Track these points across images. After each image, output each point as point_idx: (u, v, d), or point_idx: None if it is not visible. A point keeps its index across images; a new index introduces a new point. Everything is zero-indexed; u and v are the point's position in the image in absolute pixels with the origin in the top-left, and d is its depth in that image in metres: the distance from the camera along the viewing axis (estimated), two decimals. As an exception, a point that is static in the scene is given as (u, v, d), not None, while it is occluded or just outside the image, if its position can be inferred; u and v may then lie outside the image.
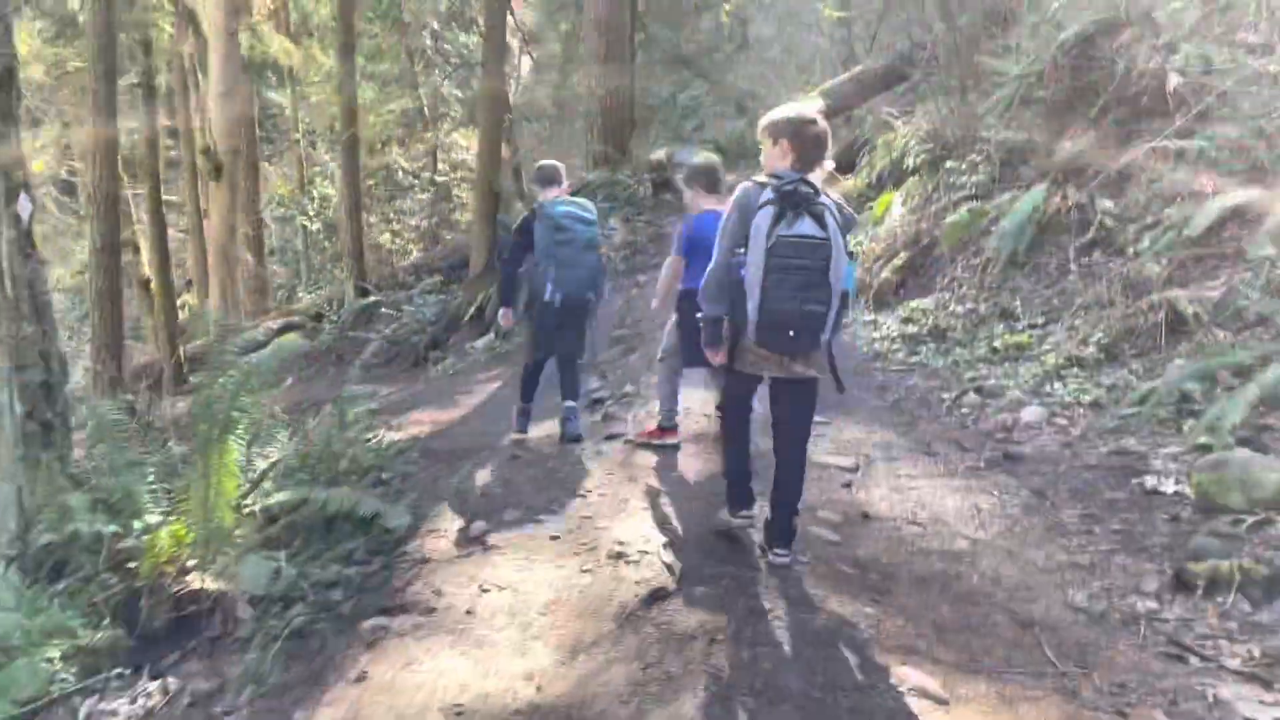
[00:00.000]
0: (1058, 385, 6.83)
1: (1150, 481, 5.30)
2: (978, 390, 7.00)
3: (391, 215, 18.43)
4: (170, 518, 4.38)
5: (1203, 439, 5.55)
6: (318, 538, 4.40)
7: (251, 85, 19.67)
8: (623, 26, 15.77)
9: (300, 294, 19.21)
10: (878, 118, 15.26)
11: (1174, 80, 8.07)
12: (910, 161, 12.17)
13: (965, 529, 4.83)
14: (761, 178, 3.77)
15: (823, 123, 3.88)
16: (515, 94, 22.37)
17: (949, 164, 10.34)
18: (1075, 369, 6.95)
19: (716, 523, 4.45)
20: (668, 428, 5.91)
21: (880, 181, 13.39)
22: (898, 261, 9.48)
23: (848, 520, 4.83)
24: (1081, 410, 6.47)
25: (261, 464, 4.93)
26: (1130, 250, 7.71)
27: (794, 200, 3.60)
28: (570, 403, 6.20)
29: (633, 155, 15.07)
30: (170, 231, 17.82)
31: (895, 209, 11.51)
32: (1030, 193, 8.74)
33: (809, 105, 4.29)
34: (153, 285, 14.47)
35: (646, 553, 4.00)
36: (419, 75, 18.81)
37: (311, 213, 17.78)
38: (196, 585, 3.85)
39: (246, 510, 4.52)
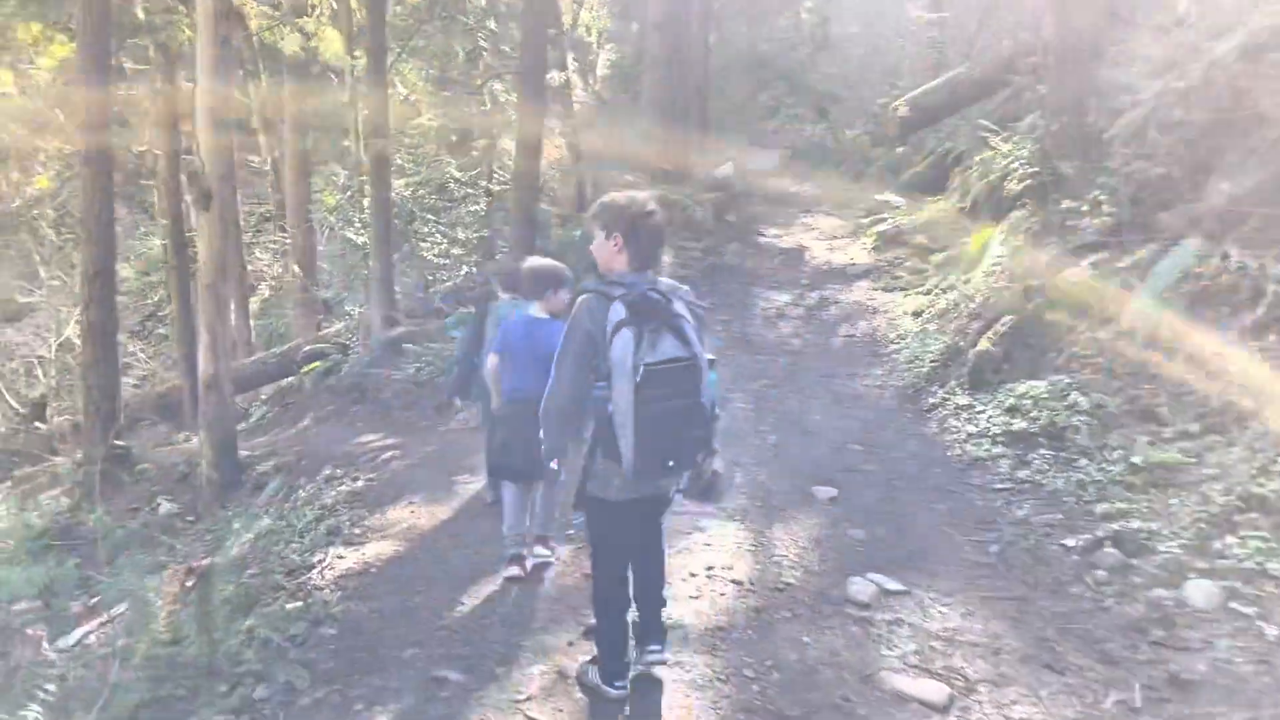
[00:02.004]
0: (1231, 541, 4.73)
1: None
2: (1115, 541, 4.92)
3: (444, 228, 16.73)
4: None
5: None
6: None
7: (306, 86, 18.21)
8: (688, 28, 13.76)
9: (349, 309, 17.75)
10: (973, 130, 13.11)
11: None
12: (1013, 187, 10.00)
13: None
14: (603, 286, 3.29)
15: (660, 214, 3.39)
16: (586, 95, 20.57)
17: (1065, 203, 8.17)
18: (1255, 514, 4.83)
19: (580, 678, 3.66)
20: (513, 555, 4.90)
21: (976, 208, 11.25)
22: (1000, 328, 7.36)
23: None
24: (1274, 589, 4.38)
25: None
26: (1324, 338, 5.56)
27: (648, 314, 3.17)
28: None
29: (694, 172, 13.09)
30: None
31: (994, 248, 9.38)
32: (1177, 249, 6.59)
33: (644, 193, 3.54)
34: (173, 308, 13.04)
35: None
36: (476, 79, 17.08)
37: (359, 224, 16.20)
38: None
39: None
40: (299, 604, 4.91)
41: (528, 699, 3.51)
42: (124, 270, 24.02)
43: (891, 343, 8.71)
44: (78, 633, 6.84)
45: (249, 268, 24.76)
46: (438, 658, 3.89)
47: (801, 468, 6.13)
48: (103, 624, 6.66)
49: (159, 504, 9.75)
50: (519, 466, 4.84)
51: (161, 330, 19.47)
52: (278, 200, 20.73)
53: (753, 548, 4.88)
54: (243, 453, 10.05)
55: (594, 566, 3.62)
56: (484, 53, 17.15)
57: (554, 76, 15.78)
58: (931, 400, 7.22)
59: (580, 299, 3.32)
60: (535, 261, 5.12)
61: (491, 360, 5.06)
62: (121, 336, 22.14)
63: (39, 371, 16.46)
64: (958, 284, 9.33)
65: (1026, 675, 3.88)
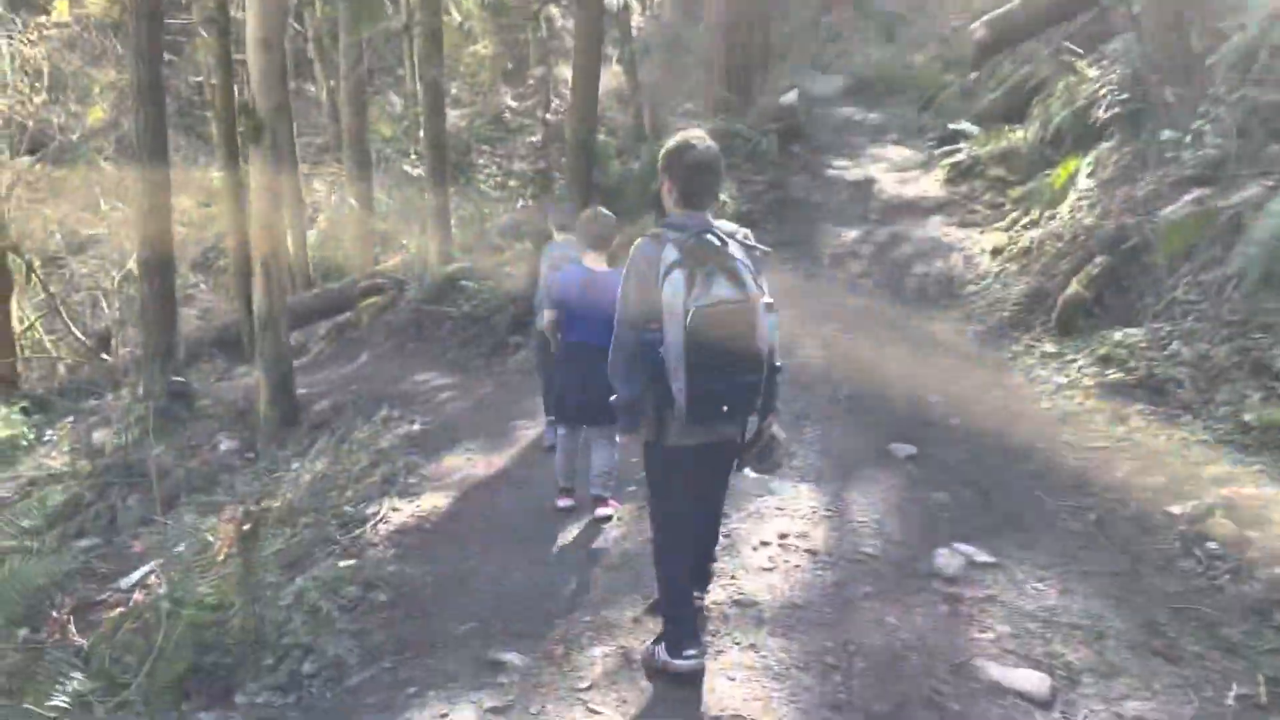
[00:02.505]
0: (1361, 512, 4.27)
1: None
2: (1227, 509, 4.47)
3: (500, 160, 16.34)
4: None
5: None
6: None
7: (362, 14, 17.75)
8: (752, -54, 13.01)
9: (405, 242, 17.54)
10: (1056, 54, 12.29)
11: None
12: (1101, 115, 9.30)
13: None
14: (657, 229, 3.27)
15: (705, 147, 3.23)
16: (645, 19, 19.85)
17: (1164, 133, 7.52)
18: (1386, 482, 4.37)
19: (647, 661, 3.38)
20: (563, 488, 5.09)
21: (1059, 138, 10.55)
22: (1092, 269, 6.82)
23: None
24: None
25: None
26: None
27: (702, 257, 3.10)
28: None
29: (757, 100, 12.48)
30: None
31: (1081, 181, 8.75)
32: (1296, 185, 5.99)
33: (695, 131, 3.43)
34: (230, 240, 12.83)
35: None
36: (532, 4, 16.49)
37: (414, 156, 15.86)
38: None
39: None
40: (352, 562, 4.68)
41: (590, 687, 3.22)
42: (184, 201, 24.03)
43: (969, 283, 8.19)
44: (138, 573, 6.77)
45: (307, 199, 24.64)
46: (495, 634, 3.61)
47: (877, 422, 5.72)
48: (163, 564, 6.57)
49: (218, 441, 9.66)
50: (574, 411, 4.89)
51: (223, 262, 19.40)
52: (334, 131, 20.43)
53: (828, 512, 4.52)
54: (300, 390, 9.90)
55: (653, 517, 3.44)
56: (540, -25, 16.54)
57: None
58: (1015, 348, 6.74)
59: (635, 243, 3.25)
60: (591, 213, 5.14)
61: (548, 315, 5.21)
62: (184, 268, 22.17)
63: (104, 303, 16.51)
64: (1041, 220, 8.74)
65: (1136, 664, 3.50)
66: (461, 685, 3.24)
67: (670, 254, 3.07)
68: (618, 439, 4.37)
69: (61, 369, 14.18)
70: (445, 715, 3.06)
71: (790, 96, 13.11)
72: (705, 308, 3.00)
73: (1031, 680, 3.38)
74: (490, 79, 17.22)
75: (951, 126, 12.84)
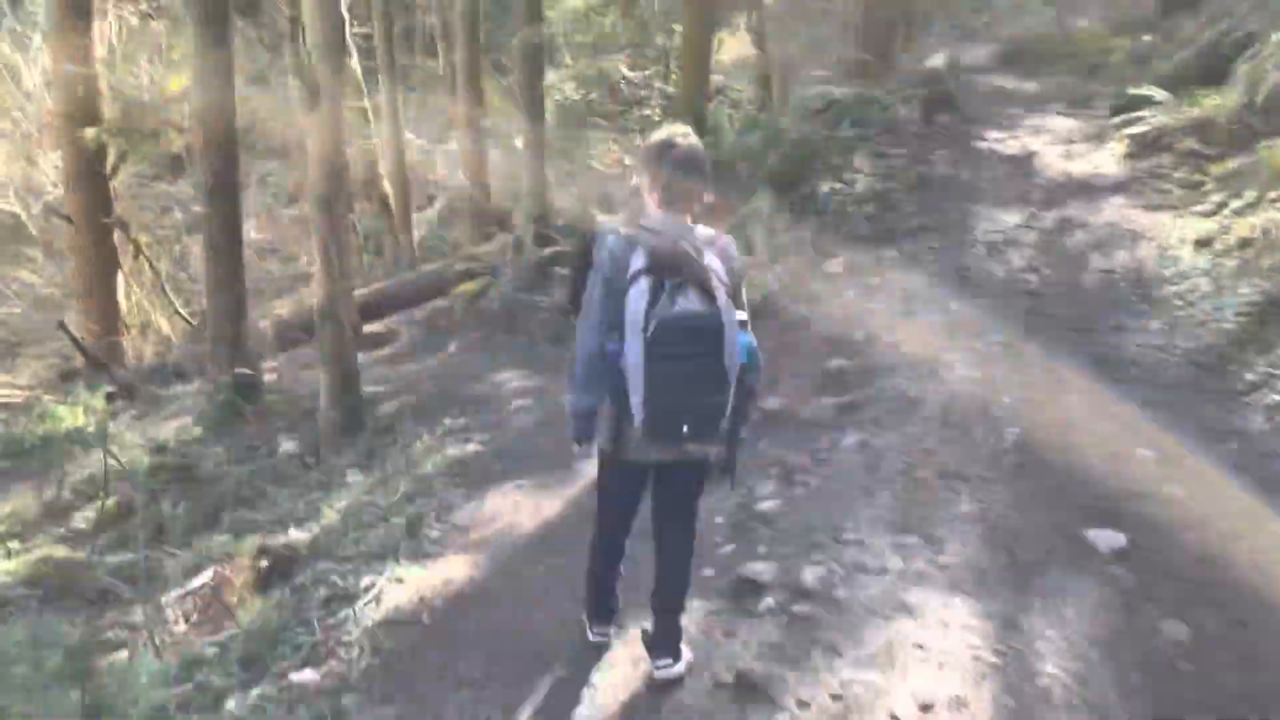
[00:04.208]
0: None
1: None
2: None
3: (614, 135, 14.86)
4: None
5: None
6: None
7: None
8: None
9: (516, 223, 16.31)
10: (1266, 4, 10.02)
11: None
12: (1336, 74, 7.17)
13: None
14: (629, 229, 2.91)
15: (687, 144, 2.91)
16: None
17: None
18: None
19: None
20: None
21: (1271, 104, 8.43)
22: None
23: None
24: None
25: None
26: None
27: (673, 266, 2.79)
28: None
29: (898, 64, 10.61)
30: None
31: (1316, 155, 6.66)
32: None
33: (680, 126, 2.93)
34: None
35: None
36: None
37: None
38: None
39: None
40: (303, 677, 3.28)
41: None
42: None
43: (1168, 283, 6.22)
44: (174, 593, 5.70)
45: (432, 177, 23.77)
46: None
47: (1061, 488, 3.94)
48: (192, 592, 5.46)
49: (278, 443, 8.54)
50: None
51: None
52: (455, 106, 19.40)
53: (997, 656, 2.83)
54: (373, 387, 8.70)
55: (596, 526, 3.28)
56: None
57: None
58: (1249, 376, 4.81)
59: (606, 240, 2.87)
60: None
61: None
62: (298, 249, 21.48)
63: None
64: (1261, 203, 6.72)
65: None
66: None
67: (639, 259, 2.78)
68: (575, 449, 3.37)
69: (149, 351, 13.44)
70: None
71: (937, 60, 11.21)
72: (669, 321, 2.74)
73: None
74: (603, 44, 15.70)
75: (1133, 91, 10.69)
